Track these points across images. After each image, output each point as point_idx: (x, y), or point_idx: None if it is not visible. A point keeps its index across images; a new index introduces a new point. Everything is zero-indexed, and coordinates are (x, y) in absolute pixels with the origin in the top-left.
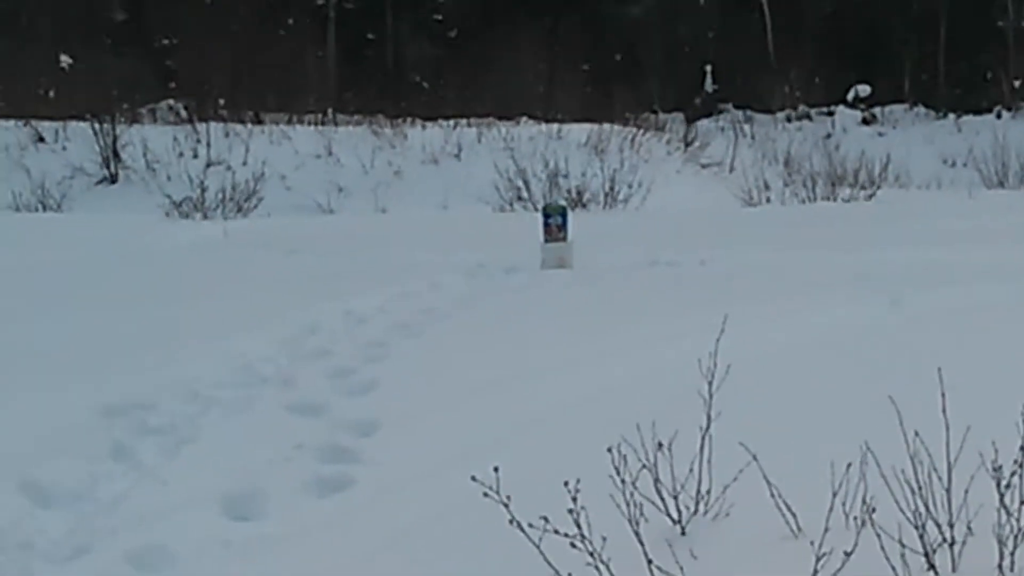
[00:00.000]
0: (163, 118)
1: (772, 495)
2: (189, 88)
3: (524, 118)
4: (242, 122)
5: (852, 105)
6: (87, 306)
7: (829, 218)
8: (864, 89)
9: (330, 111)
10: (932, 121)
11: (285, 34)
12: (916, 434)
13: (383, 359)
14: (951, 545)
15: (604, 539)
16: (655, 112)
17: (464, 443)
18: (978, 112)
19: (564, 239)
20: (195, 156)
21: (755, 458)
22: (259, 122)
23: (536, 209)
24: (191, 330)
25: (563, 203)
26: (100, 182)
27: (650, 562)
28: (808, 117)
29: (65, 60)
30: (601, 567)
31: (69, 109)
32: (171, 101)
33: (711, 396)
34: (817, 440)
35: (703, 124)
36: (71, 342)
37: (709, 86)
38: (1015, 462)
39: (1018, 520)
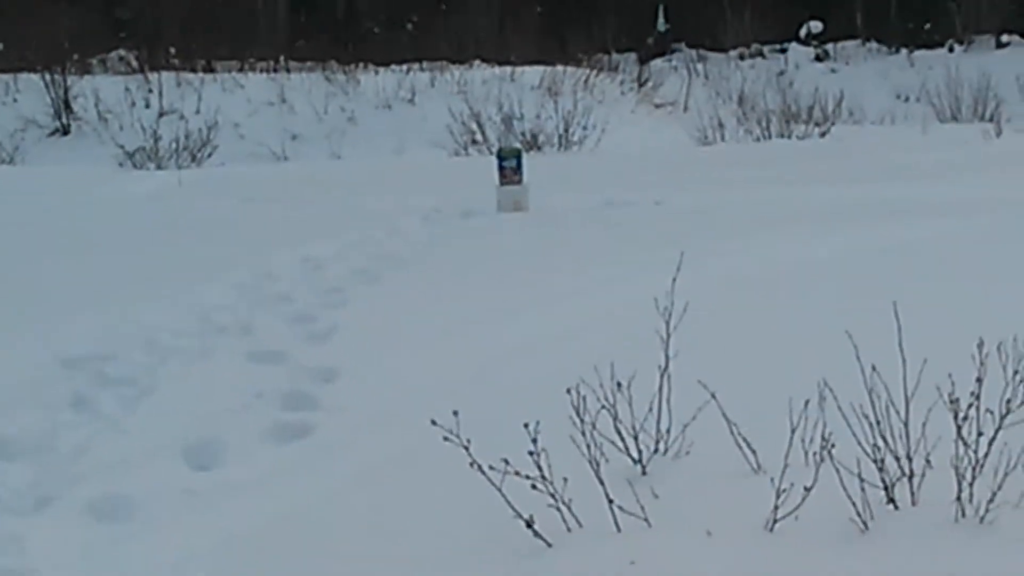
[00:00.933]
0: (114, 68)
1: (732, 432)
2: (140, 38)
3: (477, 61)
4: (194, 71)
5: (805, 42)
6: (42, 257)
7: (783, 156)
8: (816, 25)
9: (282, 58)
10: (885, 56)
11: None
12: (873, 368)
13: (342, 305)
14: (910, 478)
15: (565, 480)
16: (608, 53)
17: (424, 387)
18: (930, 47)
19: (519, 182)
20: (147, 106)
21: (714, 396)
22: (211, 70)
23: (491, 153)
24: (148, 280)
25: (518, 146)
26: (52, 134)
27: (611, 502)
28: (761, 55)
29: None
30: (563, 508)
31: (19, 61)
32: (122, 51)
33: (669, 335)
34: (775, 377)
35: (656, 64)
36: (27, 294)
37: (662, 25)
38: (971, 394)
39: (976, 452)
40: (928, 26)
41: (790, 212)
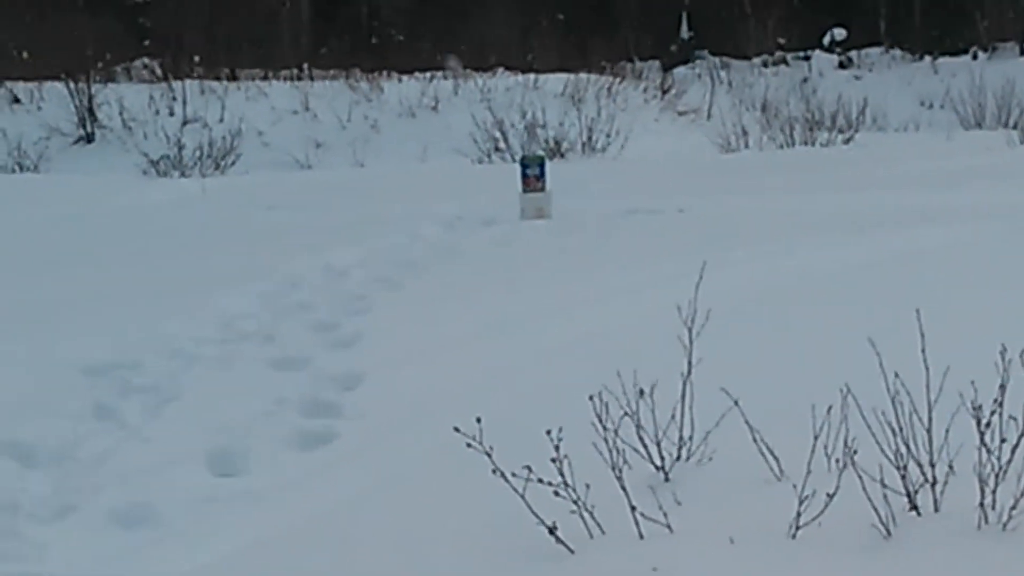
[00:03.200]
0: (138, 76)
1: (754, 439)
2: (163, 46)
3: (500, 69)
4: (217, 79)
5: (828, 49)
6: (67, 266)
7: (807, 163)
8: (840, 33)
9: (306, 66)
10: (909, 63)
11: None
12: (896, 375)
13: (365, 312)
14: (932, 485)
15: (588, 487)
16: (631, 60)
17: (447, 394)
18: (954, 54)
19: (542, 189)
20: (171, 114)
21: (736, 403)
22: (234, 79)
23: (514, 160)
24: (172, 287)
25: (541, 153)
26: (77, 142)
27: (634, 508)
28: (785, 62)
29: None
30: (585, 515)
31: (44, 69)
32: (146, 59)
33: (691, 342)
34: (798, 383)
35: (680, 71)
36: (52, 301)
37: (685, 33)
38: (995, 401)
39: (998, 459)
40: (952, 33)
41: (814, 219)
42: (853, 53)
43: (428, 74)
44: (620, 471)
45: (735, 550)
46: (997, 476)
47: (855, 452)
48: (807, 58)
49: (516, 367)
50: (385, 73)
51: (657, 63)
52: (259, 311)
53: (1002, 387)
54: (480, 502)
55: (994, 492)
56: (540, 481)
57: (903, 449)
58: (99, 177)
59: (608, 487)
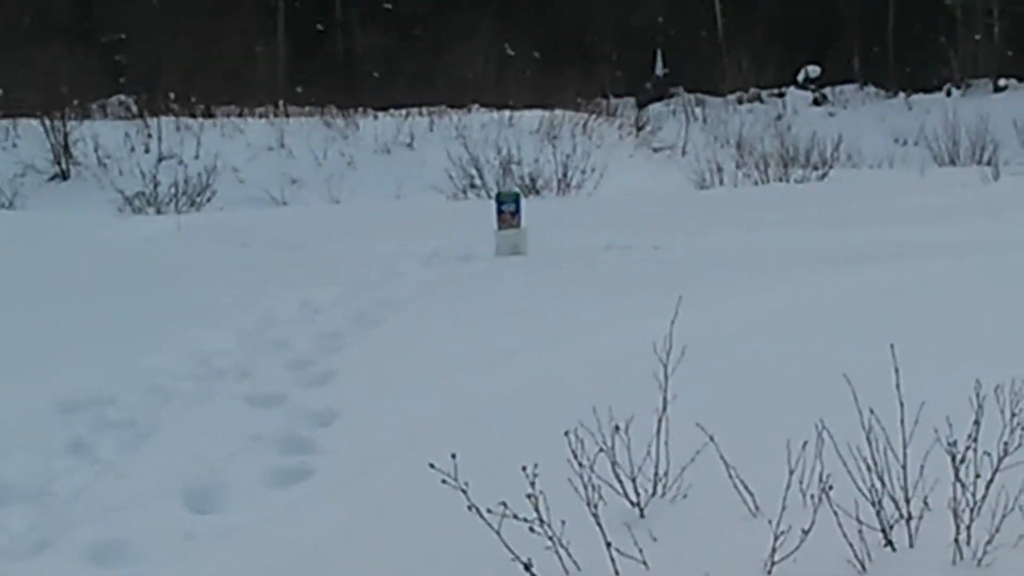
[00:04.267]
0: (114, 113)
1: (730, 475)
2: (139, 83)
3: (476, 105)
4: (193, 116)
5: (803, 86)
6: (41, 301)
7: (782, 199)
8: (814, 70)
9: (281, 103)
10: (883, 100)
11: (234, 27)
12: (871, 411)
13: (340, 349)
14: (908, 520)
15: (563, 523)
16: (606, 97)
17: (422, 430)
18: (928, 90)
19: (518, 225)
20: (147, 151)
21: (712, 439)
22: (210, 115)
23: (489, 196)
24: (147, 324)
25: (516, 190)
26: (52, 179)
27: (609, 545)
28: (759, 99)
29: None
30: (561, 551)
31: (19, 106)
32: (121, 96)
33: (667, 378)
34: (773, 419)
35: (655, 108)
36: (26, 337)
37: (660, 70)
38: (969, 436)
39: (973, 494)
40: (925, 70)
41: (788, 255)
42: (827, 90)
43: (404, 111)
44: (596, 507)
45: None
46: (972, 511)
47: (830, 488)
48: (781, 95)
49: (492, 403)
50: (361, 110)
51: (632, 100)
52: (235, 348)
53: (976, 423)
54: (456, 538)
55: (968, 527)
56: (516, 517)
57: (878, 484)
58: (74, 214)
59: (584, 523)
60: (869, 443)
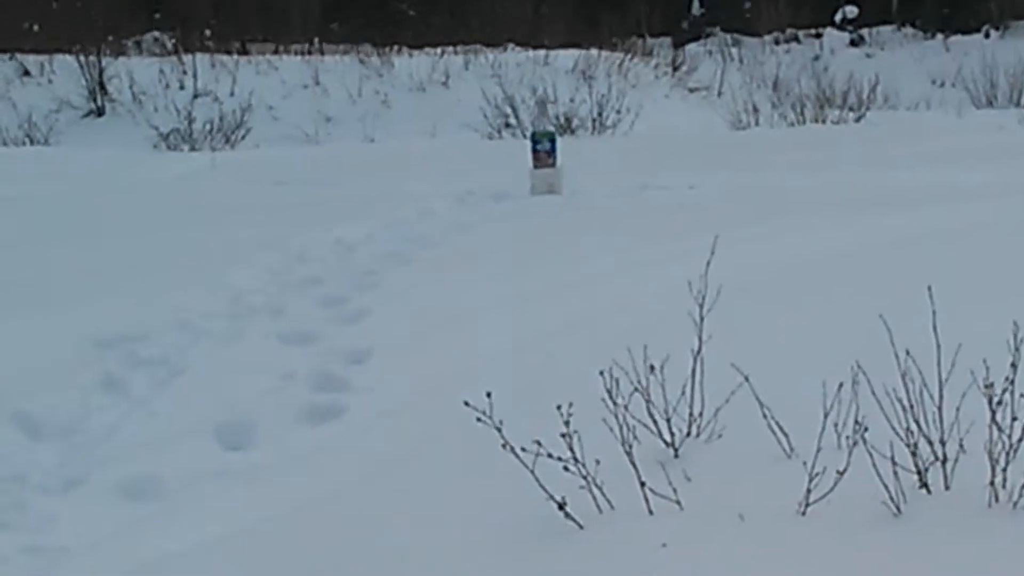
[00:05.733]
0: (149, 50)
1: (764, 416)
2: (174, 19)
3: (511, 45)
4: (228, 53)
5: (840, 27)
6: (75, 238)
7: (818, 140)
8: (852, 10)
9: (316, 40)
10: (920, 41)
11: None
12: (907, 353)
13: (374, 287)
14: (943, 463)
15: (597, 462)
16: (642, 37)
17: (456, 369)
18: (966, 32)
19: (553, 165)
20: (181, 88)
21: (747, 379)
22: (245, 53)
23: (524, 136)
24: (180, 261)
25: (551, 129)
26: (87, 115)
27: (643, 484)
28: (796, 40)
29: None
30: (595, 490)
31: (54, 42)
32: (156, 33)
33: (702, 319)
34: (808, 361)
35: (691, 48)
36: (59, 274)
37: (696, 9)
38: (1006, 379)
39: (1009, 437)
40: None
41: (825, 197)
42: (865, 31)
43: (439, 49)
44: (630, 447)
45: (745, 527)
46: (1008, 454)
47: (866, 429)
48: (818, 36)
49: (526, 343)
50: (396, 48)
51: (668, 40)
52: (268, 285)
53: (1013, 365)
54: (489, 478)
55: (1004, 470)
56: (550, 456)
57: (914, 427)
58: (109, 151)
59: (618, 463)
60: (905, 385)
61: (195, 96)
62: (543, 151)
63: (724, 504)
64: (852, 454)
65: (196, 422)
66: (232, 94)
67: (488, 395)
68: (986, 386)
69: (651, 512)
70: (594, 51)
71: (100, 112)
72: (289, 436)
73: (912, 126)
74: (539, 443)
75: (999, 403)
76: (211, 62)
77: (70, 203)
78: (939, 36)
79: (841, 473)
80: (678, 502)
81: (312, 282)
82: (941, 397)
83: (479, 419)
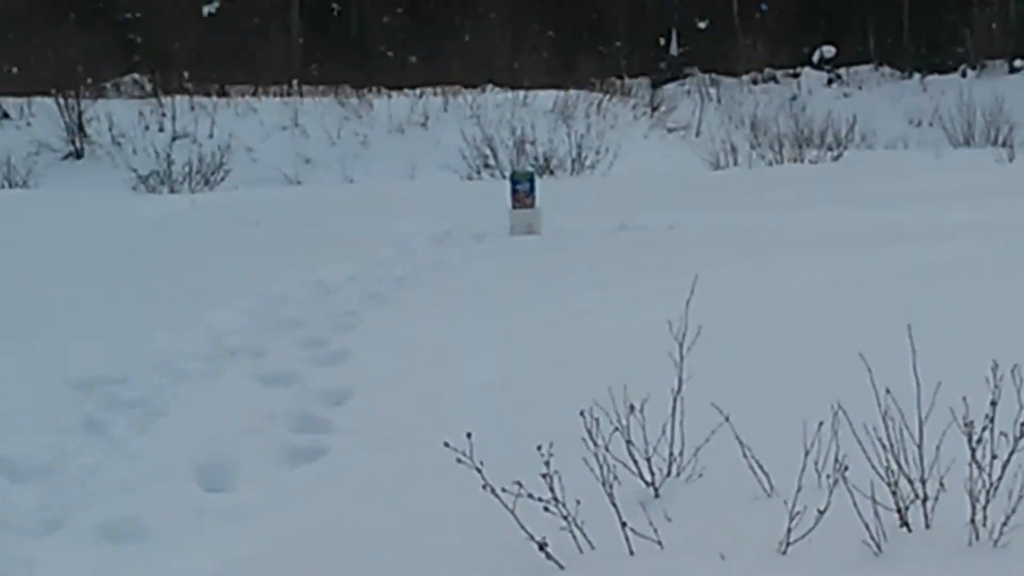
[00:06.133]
0: (128, 92)
1: (745, 455)
2: (153, 61)
3: (490, 85)
4: (207, 95)
5: (817, 67)
6: (54, 281)
7: (796, 180)
8: (829, 50)
9: (295, 82)
10: (897, 81)
11: (248, 6)
12: (887, 391)
13: (354, 328)
14: (924, 501)
15: (578, 502)
16: (621, 77)
17: (436, 408)
18: (943, 71)
19: (532, 205)
20: (161, 130)
21: (727, 419)
22: (224, 95)
23: (503, 176)
24: (160, 303)
25: (530, 169)
26: (66, 157)
27: (624, 524)
28: (774, 79)
29: None
30: (575, 530)
31: (33, 84)
32: (135, 75)
33: (682, 358)
34: (789, 400)
35: (669, 88)
36: (39, 316)
37: (674, 49)
38: (986, 416)
39: (990, 475)
40: (940, 51)
41: (803, 236)
42: (842, 70)
43: (418, 90)
44: (610, 487)
45: (725, 566)
46: (988, 492)
47: (846, 468)
48: (796, 75)
49: (506, 382)
50: (375, 89)
51: (647, 80)
52: (247, 326)
53: (993, 403)
54: (470, 517)
55: (985, 508)
56: (530, 496)
57: (894, 465)
58: (88, 193)
59: (598, 503)
60: (885, 424)
61: (174, 138)
62: (522, 191)
63: (705, 544)
64: (833, 493)
65: (176, 463)
66: (211, 136)
67: (468, 435)
68: (966, 424)
69: (632, 552)
70: (573, 91)
71: (79, 154)
72: (270, 476)
73: (890, 165)
74: (520, 483)
75: (979, 441)
76: (190, 104)
77: (50, 245)
78: (916, 75)
79: (822, 512)
80: (659, 542)
81: (292, 323)
82: (921, 435)
83: (459, 460)
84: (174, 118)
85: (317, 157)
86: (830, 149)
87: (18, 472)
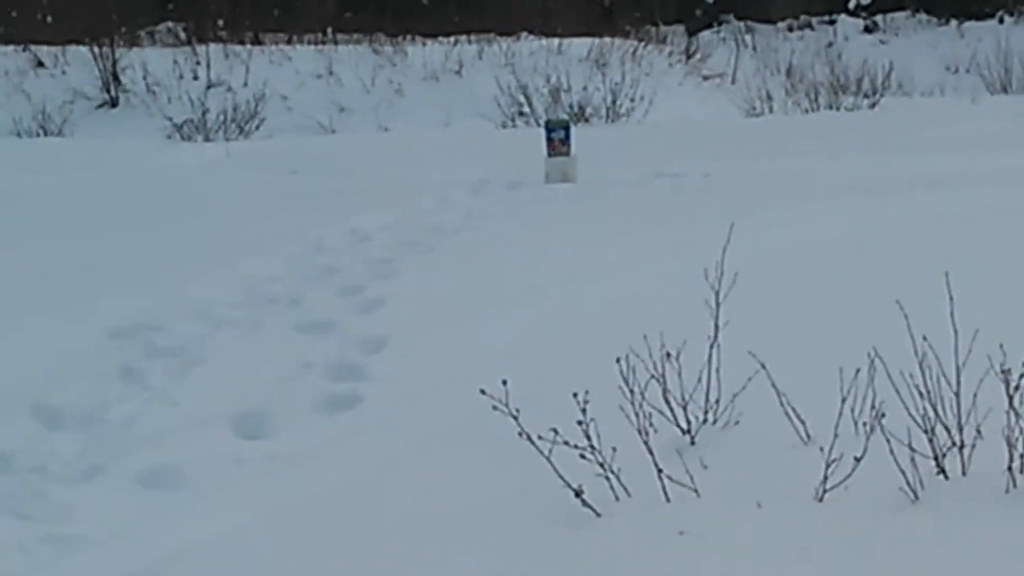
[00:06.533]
0: (162, 40)
1: (781, 403)
2: (187, 9)
3: (524, 33)
4: (242, 43)
5: (854, 13)
6: (92, 230)
7: (832, 127)
8: None
9: (330, 30)
10: (934, 27)
11: None
12: (924, 338)
13: (390, 276)
14: (960, 448)
15: (614, 450)
16: (656, 24)
17: (473, 358)
18: (980, 17)
19: (567, 153)
20: (195, 78)
21: (763, 366)
22: (258, 43)
23: (538, 124)
24: (198, 252)
25: (565, 117)
26: (101, 106)
27: (660, 472)
28: (810, 27)
29: None
30: (611, 478)
31: (68, 34)
32: (169, 23)
33: (718, 306)
34: (825, 347)
35: (704, 36)
36: (78, 265)
37: None
38: (1023, 364)
39: None
40: None
41: (840, 183)
42: (878, 17)
43: (452, 38)
44: (646, 434)
45: (762, 513)
46: None
47: (883, 416)
48: (832, 22)
49: (543, 331)
50: (409, 37)
51: (682, 27)
52: (285, 275)
53: None
54: (506, 466)
55: (1022, 456)
56: (567, 444)
57: (931, 412)
58: (123, 141)
59: (634, 450)
60: (922, 371)
61: (209, 87)
62: (557, 139)
63: (741, 491)
64: (869, 440)
65: (214, 412)
66: (246, 84)
67: (504, 383)
68: (1003, 371)
69: (668, 499)
70: (607, 39)
71: (114, 103)
72: (307, 425)
73: (927, 112)
74: (556, 431)
75: (1016, 388)
76: (224, 52)
77: (85, 195)
78: (953, 22)
79: (858, 459)
80: (695, 489)
81: (329, 271)
82: (958, 383)
83: (495, 407)
84: (209, 67)
85: (352, 105)
86: (866, 96)
87: (57, 420)
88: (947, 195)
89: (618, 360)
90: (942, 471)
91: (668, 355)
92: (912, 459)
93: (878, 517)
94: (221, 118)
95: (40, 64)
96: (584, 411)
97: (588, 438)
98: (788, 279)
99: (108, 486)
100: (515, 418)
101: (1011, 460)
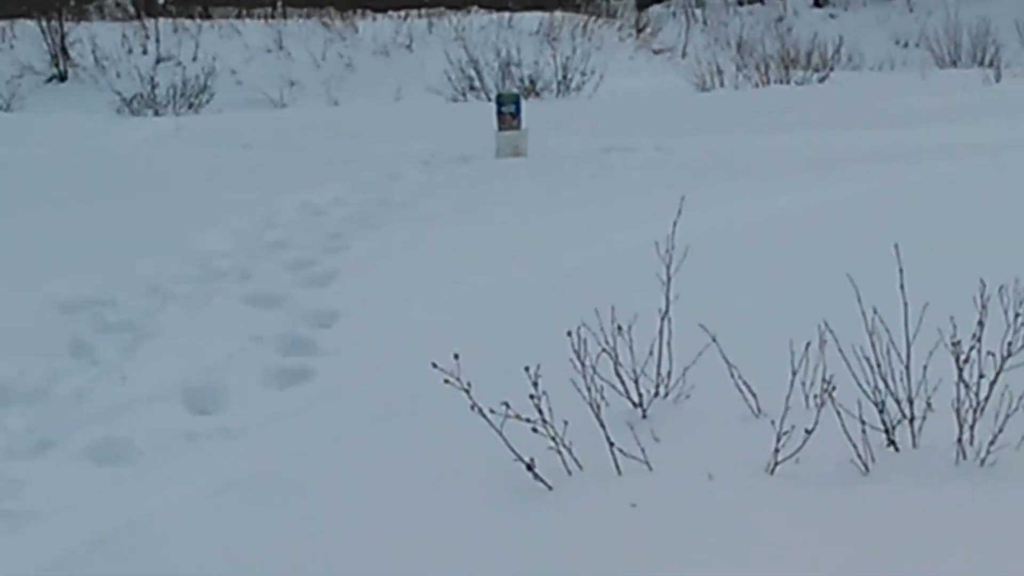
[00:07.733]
0: (111, 14)
1: (732, 376)
2: None
3: (475, 7)
4: (191, 17)
5: None
6: (41, 204)
7: (782, 101)
8: None
9: (279, 4)
10: (883, 2)
11: None
12: (875, 311)
13: (341, 250)
14: (911, 421)
15: (566, 423)
16: None
17: (424, 332)
18: None
19: (518, 127)
20: (144, 52)
21: (714, 339)
22: (208, 17)
23: (489, 98)
24: (148, 226)
25: (516, 91)
26: (49, 80)
27: (612, 445)
28: (760, 1)
29: None
30: (563, 451)
31: (16, 7)
32: None
33: (669, 279)
34: (776, 320)
35: (655, 10)
36: (26, 240)
37: None
38: (973, 336)
39: (976, 395)
40: None
41: (790, 157)
42: None
43: (403, 12)
44: (598, 407)
45: (713, 486)
46: (975, 412)
47: (833, 388)
48: None
49: (494, 304)
50: (359, 11)
51: (632, 1)
52: (235, 249)
53: (980, 323)
54: (458, 439)
55: (972, 428)
56: (518, 417)
57: (881, 385)
58: (72, 116)
59: (586, 424)
60: (872, 344)
61: (158, 61)
62: (508, 113)
63: (693, 464)
64: (820, 413)
65: (165, 386)
66: (195, 59)
67: (456, 357)
68: (953, 344)
69: (620, 472)
70: (558, 13)
71: (63, 77)
72: (258, 399)
73: (876, 86)
74: (507, 405)
75: (966, 361)
76: (173, 27)
77: (35, 168)
78: None
79: (809, 432)
80: (647, 462)
81: (279, 246)
82: (908, 355)
83: (447, 381)
84: (158, 41)
85: (302, 80)
86: (816, 71)
87: (6, 394)
88: (898, 169)
89: (569, 333)
90: (892, 443)
91: (619, 328)
92: (863, 432)
93: (829, 489)
94: (171, 93)
95: None
96: (536, 384)
97: (540, 411)
98: (739, 252)
99: (58, 461)
100: (467, 391)
101: (961, 432)
